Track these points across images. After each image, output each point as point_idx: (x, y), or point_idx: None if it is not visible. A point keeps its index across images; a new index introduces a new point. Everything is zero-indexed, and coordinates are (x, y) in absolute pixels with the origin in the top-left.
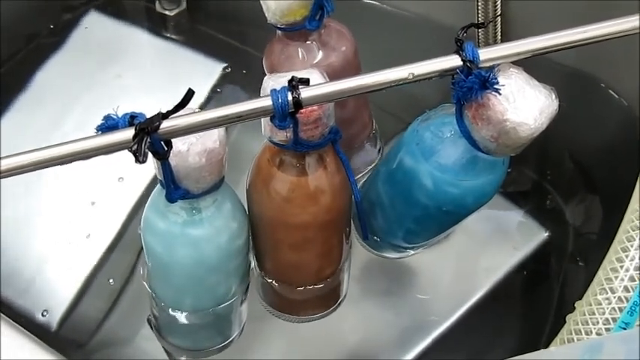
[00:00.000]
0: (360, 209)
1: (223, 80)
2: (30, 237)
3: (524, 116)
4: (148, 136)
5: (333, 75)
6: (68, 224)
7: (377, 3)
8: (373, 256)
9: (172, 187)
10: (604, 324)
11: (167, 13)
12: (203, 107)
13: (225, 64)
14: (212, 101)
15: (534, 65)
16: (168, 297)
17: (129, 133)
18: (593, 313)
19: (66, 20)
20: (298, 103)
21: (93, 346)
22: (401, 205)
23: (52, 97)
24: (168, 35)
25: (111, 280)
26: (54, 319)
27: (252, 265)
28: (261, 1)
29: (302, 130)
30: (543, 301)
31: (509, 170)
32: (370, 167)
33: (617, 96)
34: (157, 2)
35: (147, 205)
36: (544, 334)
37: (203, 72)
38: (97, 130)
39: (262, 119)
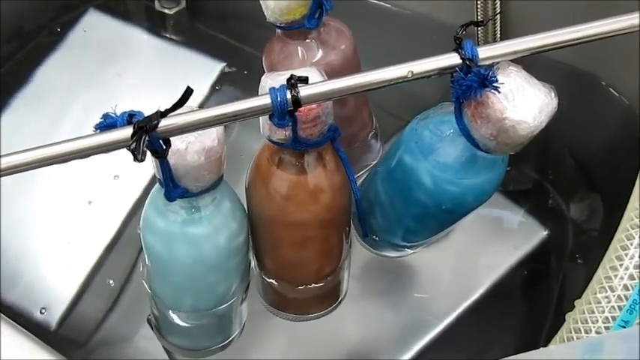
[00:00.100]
0: (359, 208)
1: (223, 79)
2: (29, 237)
3: (523, 114)
4: (147, 135)
5: (333, 73)
6: (67, 224)
7: (377, 2)
8: (373, 255)
9: (171, 185)
10: (603, 322)
11: (166, 11)
12: (202, 106)
13: (225, 63)
14: (211, 100)
15: (534, 63)
16: (168, 296)
17: (127, 132)
18: (593, 312)
19: (65, 19)
20: (297, 102)
21: (92, 345)
22: (400, 203)
23: (51, 96)
24: (167, 34)
25: (110, 281)
26: (53, 318)
27: (252, 264)
28: (261, 0)
29: (301, 128)
30: (543, 300)
31: (508, 169)
32: (370, 166)
33: (617, 94)
34: (157, 1)
35: (146, 203)
36: (544, 332)
37: (202, 71)
38: (96, 129)
39: (261, 118)
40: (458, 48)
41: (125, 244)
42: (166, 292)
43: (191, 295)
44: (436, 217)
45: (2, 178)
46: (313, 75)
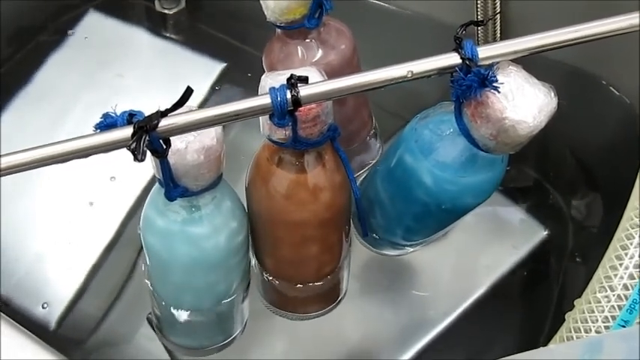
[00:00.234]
0: (359, 207)
1: (223, 79)
2: (30, 237)
3: (523, 114)
4: (147, 135)
5: (333, 73)
6: (68, 224)
7: (377, 1)
8: (373, 254)
9: (171, 185)
10: (603, 322)
11: (166, 11)
12: (202, 106)
13: (225, 63)
14: (211, 100)
15: (533, 63)
16: (169, 295)
17: (127, 132)
18: (593, 311)
19: (66, 19)
20: (297, 101)
21: (92, 345)
22: (400, 202)
23: (51, 96)
24: (167, 34)
25: (109, 280)
26: (53, 317)
27: (252, 263)
28: (261, 0)
29: (301, 128)
30: (543, 299)
31: (508, 168)
32: (370, 165)
33: (617, 93)
34: (157, 1)
35: (146, 203)
36: (543, 331)
37: (202, 71)
38: (96, 129)
39: (261, 117)
40: (458, 48)
41: (125, 244)
42: (167, 291)
43: (191, 294)
44: (436, 216)
45: (3, 179)
46: (313, 75)
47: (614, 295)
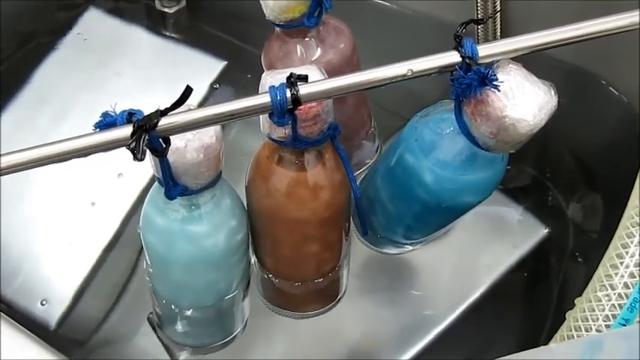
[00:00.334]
0: (359, 206)
1: (223, 78)
2: (30, 237)
3: (523, 112)
4: (147, 134)
5: (332, 72)
6: (68, 224)
7: (377, 0)
8: (373, 253)
9: (171, 183)
10: (604, 321)
11: (166, 10)
12: (202, 105)
13: (225, 62)
14: (211, 99)
15: (534, 62)
16: (169, 293)
17: (127, 131)
18: (593, 310)
19: (65, 18)
20: (297, 100)
21: (93, 344)
22: (400, 201)
23: (51, 95)
24: (167, 33)
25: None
26: (54, 317)
27: (252, 261)
28: None
29: (301, 126)
30: (543, 298)
31: (508, 167)
32: (369, 164)
33: (617, 93)
34: (157, 0)
35: (145, 202)
36: (544, 330)
37: (202, 69)
38: (95, 128)
39: (261, 116)
40: (458, 46)
41: (125, 244)
42: (167, 289)
43: (192, 292)
44: (436, 215)
45: (3, 178)
46: (313, 73)
47: (614, 294)
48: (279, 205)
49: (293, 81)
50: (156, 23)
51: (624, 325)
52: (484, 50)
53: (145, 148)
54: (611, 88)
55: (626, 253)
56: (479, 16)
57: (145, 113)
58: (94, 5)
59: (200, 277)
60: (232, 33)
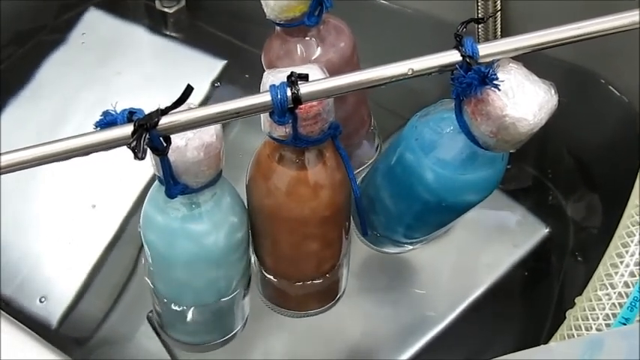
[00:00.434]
0: (359, 205)
1: (223, 77)
2: (31, 236)
3: (523, 112)
4: (147, 132)
5: (332, 71)
6: (69, 224)
7: (377, 0)
8: (373, 252)
9: (171, 182)
10: (604, 319)
11: (167, 10)
12: (203, 104)
13: (225, 61)
14: (212, 98)
15: (534, 61)
16: (170, 292)
17: (128, 129)
18: (594, 309)
19: (66, 18)
20: (297, 99)
21: (93, 343)
22: (400, 200)
23: (52, 94)
24: (167, 32)
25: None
26: (54, 316)
27: (252, 260)
28: None
29: (301, 125)
30: (543, 297)
31: (509, 167)
32: (368, 163)
33: (617, 92)
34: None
35: (145, 201)
36: (544, 329)
37: (203, 68)
38: (96, 127)
39: (262, 115)
40: (458, 45)
41: (126, 243)
42: (168, 288)
43: (192, 290)
44: (436, 214)
45: (4, 177)
46: (314, 72)
47: (614, 293)
48: (279, 204)
49: (294, 80)
50: (156, 23)
51: (624, 324)
52: (484, 49)
53: (145, 146)
54: (611, 87)
55: (627, 252)
56: (479, 15)
57: (146, 112)
58: (94, 5)
59: (200, 275)
60: (232, 32)
